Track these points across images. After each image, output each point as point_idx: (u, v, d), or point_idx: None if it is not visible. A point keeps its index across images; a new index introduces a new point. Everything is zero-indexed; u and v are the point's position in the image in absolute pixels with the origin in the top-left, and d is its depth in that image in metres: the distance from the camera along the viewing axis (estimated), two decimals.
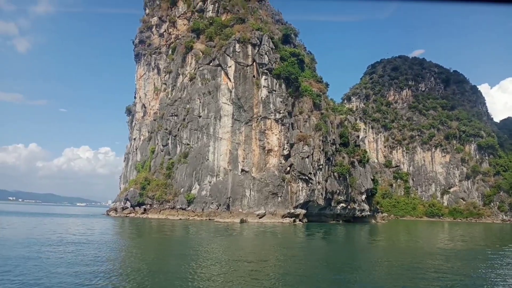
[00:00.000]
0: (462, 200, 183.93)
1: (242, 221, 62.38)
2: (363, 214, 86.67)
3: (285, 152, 73.49)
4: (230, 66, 75.76)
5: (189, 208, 72.69)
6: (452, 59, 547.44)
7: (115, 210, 78.23)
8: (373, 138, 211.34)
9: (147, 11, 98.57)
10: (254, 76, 75.43)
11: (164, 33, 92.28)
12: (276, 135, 73.74)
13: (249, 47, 75.96)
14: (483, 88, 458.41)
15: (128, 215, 73.70)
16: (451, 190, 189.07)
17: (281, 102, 74.27)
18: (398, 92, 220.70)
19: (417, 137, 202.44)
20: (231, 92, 75.19)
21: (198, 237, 38.12)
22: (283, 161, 73.18)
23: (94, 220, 63.43)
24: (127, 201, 76.31)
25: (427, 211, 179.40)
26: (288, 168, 72.87)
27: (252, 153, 73.14)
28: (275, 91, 74.74)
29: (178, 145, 79.76)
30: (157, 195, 73.67)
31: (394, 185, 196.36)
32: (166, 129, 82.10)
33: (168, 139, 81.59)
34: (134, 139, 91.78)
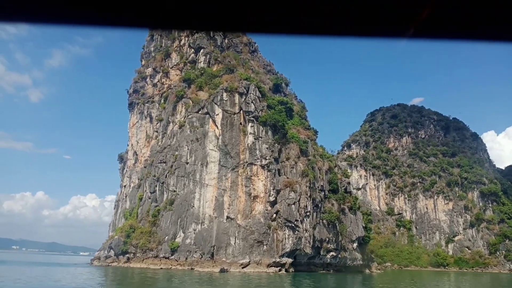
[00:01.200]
0: (467, 249, 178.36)
1: (222, 271, 60.87)
2: (354, 263, 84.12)
3: (271, 199, 73.00)
4: (218, 114, 77.34)
5: (173, 257, 71.37)
6: (454, 107, 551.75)
7: (99, 259, 76.97)
8: (374, 185, 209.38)
9: (143, 62, 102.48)
10: (241, 124, 76.73)
11: (158, 83, 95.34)
12: (262, 181, 73.66)
13: (236, 96, 77.89)
14: (489, 135, 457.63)
15: (110, 264, 72.41)
16: (456, 238, 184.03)
17: (267, 148, 74.88)
18: (398, 139, 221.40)
19: (418, 184, 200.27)
20: (218, 139, 76.21)
21: None
22: (269, 208, 72.52)
23: (74, 270, 62.24)
24: (111, 250, 75.27)
25: (432, 261, 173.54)
26: (274, 215, 72.04)
27: (238, 200, 72.75)
28: (261, 137, 75.63)
29: (165, 192, 79.80)
30: (141, 243, 72.71)
31: (397, 233, 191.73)
32: (154, 176, 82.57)
33: (156, 186, 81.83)
34: (125, 186, 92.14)
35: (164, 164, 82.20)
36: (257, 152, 74.54)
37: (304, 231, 73.35)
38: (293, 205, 72.74)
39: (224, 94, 77.70)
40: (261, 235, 69.84)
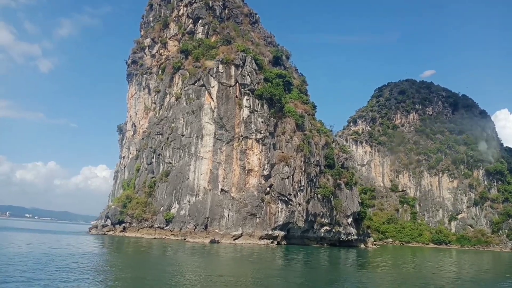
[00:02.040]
0: (470, 227, 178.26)
1: (213, 242, 61.60)
2: (349, 238, 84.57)
3: (265, 173, 72.93)
4: (213, 86, 76.54)
5: (167, 227, 72.40)
6: (467, 83, 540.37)
7: (96, 227, 78.45)
8: (379, 161, 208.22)
9: (142, 32, 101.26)
10: (236, 97, 75.92)
11: (156, 54, 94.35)
12: (256, 155, 73.45)
13: (232, 68, 76.79)
14: (503, 114, 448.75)
15: (107, 233, 73.83)
16: (459, 216, 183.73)
17: (262, 122, 74.26)
18: (405, 115, 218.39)
19: (424, 161, 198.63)
20: (213, 111, 75.69)
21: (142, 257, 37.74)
22: (263, 182, 72.55)
23: (71, 238, 63.54)
24: (108, 219, 76.58)
25: (434, 238, 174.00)
26: (268, 189, 72.16)
27: (233, 173, 72.84)
28: (256, 111, 74.92)
29: (161, 164, 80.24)
30: (136, 213, 73.76)
31: (400, 210, 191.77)
32: (151, 147, 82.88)
33: (153, 157, 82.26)
34: (123, 157, 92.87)
35: (160, 136, 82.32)
36: (252, 125, 74.02)
37: (298, 205, 73.55)
38: (287, 179, 72.71)
39: (220, 66, 76.59)
40: (254, 208, 70.22)
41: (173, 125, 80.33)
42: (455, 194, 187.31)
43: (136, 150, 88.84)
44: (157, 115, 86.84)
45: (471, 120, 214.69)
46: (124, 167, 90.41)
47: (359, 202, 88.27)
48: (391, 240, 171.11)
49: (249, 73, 76.28)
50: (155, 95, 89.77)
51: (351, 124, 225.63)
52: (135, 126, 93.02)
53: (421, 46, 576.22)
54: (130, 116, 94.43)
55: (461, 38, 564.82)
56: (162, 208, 74.62)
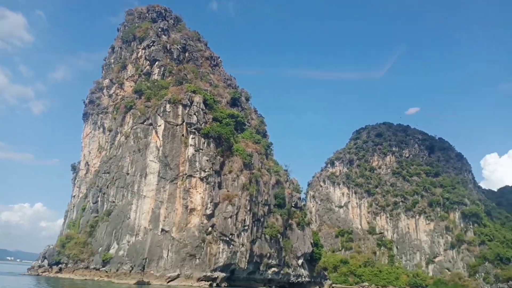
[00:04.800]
0: (447, 271, 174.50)
1: (140, 283, 59.39)
2: (299, 279, 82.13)
3: (208, 212, 71.84)
4: (160, 125, 76.99)
5: (104, 268, 70.07)
6: (454, 129, 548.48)
7: (33, 268, 75.83)
8: (356, 203, 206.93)
9: (103, 73, 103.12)
10: (183, 135, 76.22)
11: (113, 94, 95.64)
12: (200, 194, 72.69)
13: (180, 107, 77.65)
14: (492, 157, 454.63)
15: (41, 273, 71.37)
16: (436, 259, 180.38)
17: (207, 160, 74.10)
18: (382, 158, 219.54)
19: (400, 203, 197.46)
20: (159, 150, 75.64)
21: None
22: (205, 221, 71.30)
23: (4, 279, 61.17)
24: (45, 259, 74.22)
25: (411, 282, 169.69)
26: (210, 229, 70.78)
27: (175, 212, 71.69)
28: (202, 149, 74.98)
29: (105, 203, 79.04)
30: (72, 253, 71.61)
31: (377, 253, 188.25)
32: (98, 186, 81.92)
33: (98, 196, 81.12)
34: (74, 196, 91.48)
35: (107, 175, 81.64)
36: (197, 164, 73.81)
37: (241, 245, 71.89)
38: (229, 219, 71.57)
39: (167, 106, 77.45)
40: (194, 249, 68.54)
41: (120, 163, 79.92)
42: (432, 236, 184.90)
43: (86, 189, 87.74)
44: (107, 153, 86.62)
45: (447, 162, 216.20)
46: (74, 207, 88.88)
47: (311, 243, 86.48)
48: (367, 284, 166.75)
49: (196, 112, 77.06)
50: (108, 134, 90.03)
51: (329, 165, 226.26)
52: (88, 165, 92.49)
53: (408, 82, 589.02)
54: (84, 155, 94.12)
55: (451, 78, 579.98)
56: (100, 248, 72.63)
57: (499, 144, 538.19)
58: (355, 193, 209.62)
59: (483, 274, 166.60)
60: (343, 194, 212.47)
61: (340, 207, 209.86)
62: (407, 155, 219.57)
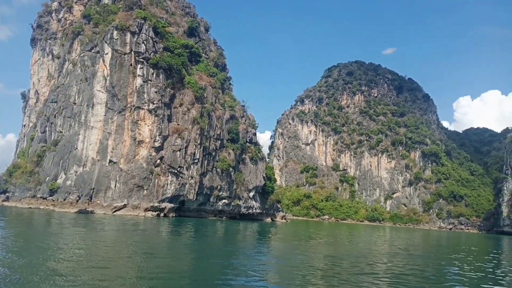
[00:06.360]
0: (403, 206, 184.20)
1: (81, 212, 59.84)
2: (249, 211, 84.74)
3: (157, 144, 71.29)
4: (107, 53, 73.27)
5: (51, 197, 70.00)
6: (434, 70, 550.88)
7: None
8: (323, 141, 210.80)
9: None
10: (131, 65, 73.14)
11: (62, 18, 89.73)
12: (148, 126, 71.55)
13: (128, 35, 73.62)
14: (465, 100, 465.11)
15: None
16: (394, 195, 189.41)
17: (156, 92, 72.12)
18: (351, 96, 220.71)
19: (365, 142, 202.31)
20: (106, 79, 72.73)
21: None
22: (153, 154, 70.97)
23: None
24: None
25: (369, 216, 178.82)
26: (158, 161, 70.71)
27: (123, 144, 70.75)
28: (150, 80, 72.60)
29: (53, 133, 77.16)
30: (19, 182, 70.97)
31: (340, 188, 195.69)
32: (46, 115, 79.48)
33: (46, 126, 78.99)
34: (24, 125, 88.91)
35: (55, 104, 78.96)
36: (145, 95, 71.81)
37: (190, 178, 72.59)
38: (178, 152, 71.45)
39: (115, 32, 73.24)
40: (141, 180, 68.75)
41: (67, 92, 77.01)
42: (392, 174, 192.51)
43: (36, 119, 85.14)
44: (56, 82, 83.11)
45: (414, 103, 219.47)
46: (24, 136, 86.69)
47: (264, 177, 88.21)
48: (327, 217, 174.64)
49: (145, 41, 73.49)
50: (57, 61, 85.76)
51: (299, 103, 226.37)
52: (38, 93, 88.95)
53: (388, 20, 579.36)
54: (33, 83, 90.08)
55: (430, 22, 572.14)
56: (48, 178, 72.01)
57: (473, 87, 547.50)
58: (322, 131, 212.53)
59: (436, 210, 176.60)
60: (310, 132, 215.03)
61: (307, 144, 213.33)
62: (375, 95, 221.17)
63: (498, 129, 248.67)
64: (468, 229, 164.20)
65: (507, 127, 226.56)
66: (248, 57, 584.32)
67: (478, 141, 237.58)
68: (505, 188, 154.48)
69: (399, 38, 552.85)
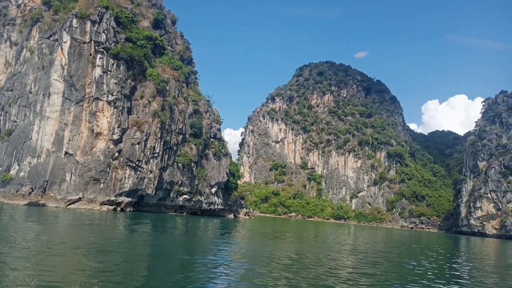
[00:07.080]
0: (368, 205, 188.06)
1: (31, 204, 57.97)
2: (211, 207, 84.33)
3: (115, 137, 69.77)
4: (66, 42, 71.04)
5: (3, 189, 67.38)
6: (402, 75, 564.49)
7: None
8: (292, 139, 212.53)
9: None
10: (90, 55, 71.25)
11: (21, 4, 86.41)
12: (107, 118, 69.92)
13: (88, 24, 71.62)
14: (433, 104, 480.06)
15: None
16: (360, 194, 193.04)
17: (115, 83, 70.54)
18: (321, 96, 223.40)
19: (333, 141, 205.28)
20: (64, 68, 70.53)
21: None
22: (111, 146, 69.45)
23: None
24: None
25: (335, 214, 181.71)
26: (116, 154, 69.27)
27: (80, 136, 68.87)
28: (110, 71, 70.92)
29: (7, 122, 74.28)
30: None
31: (307, 186, 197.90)
32: (0, 104, 76.43)
33: (0, 115, 75.97)
34: None
35: (10, 92, 76.03)
36: (104, 86, 70.10)
37: (149, 172, 71.51)
38: (137, 145, 70.24)
39: (74, 20, 71.11)
40: (98, 173, 67.14)
41: (23, 81, 74.24)
42: (358, 173, 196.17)
43: None
44: (13, 70, 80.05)
45: (381, 104, 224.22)
46: None
47: (227, 173, 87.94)
48: (294, 214, 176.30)
49: (105, 30, 71.67)
50: (15, 48, 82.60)
51: (270, 101, 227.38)
52: None
53: (361, 25, 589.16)
54: None
55: (402, 26, 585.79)
56: (0, 169, 69.27)
57: (440, 91, 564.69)
58: (292, 129, 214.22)
59: (399, 209, 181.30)
60: (280, 130, 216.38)
61: (277, 142, 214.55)
62: (344, 95, 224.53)
63: (463, 132, 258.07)
64: (428, 228, 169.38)
65: (469, 131, 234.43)
66: (223, 53, 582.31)
67: (442, 144, 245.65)
68: (464, 189, 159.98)
69: (371, 41, 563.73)
